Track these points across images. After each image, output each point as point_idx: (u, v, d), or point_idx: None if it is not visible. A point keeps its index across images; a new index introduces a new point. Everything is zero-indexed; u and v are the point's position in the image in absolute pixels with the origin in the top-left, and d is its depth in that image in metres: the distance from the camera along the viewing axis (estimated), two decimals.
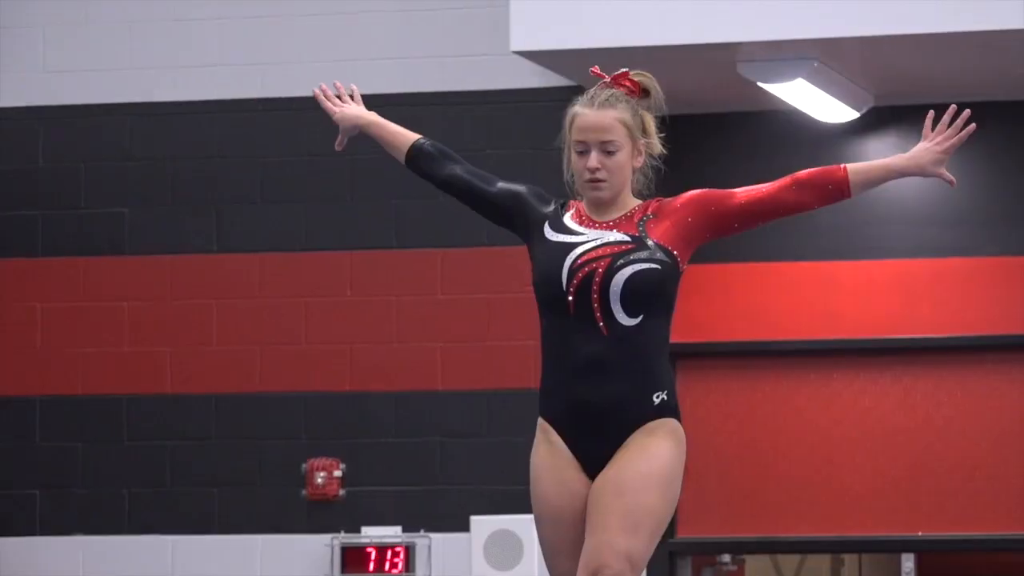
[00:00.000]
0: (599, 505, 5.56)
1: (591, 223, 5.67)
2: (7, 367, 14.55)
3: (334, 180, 14.15)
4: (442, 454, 13.92)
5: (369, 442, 13.89)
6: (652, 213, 5.68)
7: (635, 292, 5.50)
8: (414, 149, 5.95)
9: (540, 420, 5.70)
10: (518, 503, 12.51)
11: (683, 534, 13.75)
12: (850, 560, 18.29)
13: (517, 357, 13.66)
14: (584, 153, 5.63)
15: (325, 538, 13.47)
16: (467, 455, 13.85)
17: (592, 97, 5.70)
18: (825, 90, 12.84)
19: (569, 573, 5.67)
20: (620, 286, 5.49)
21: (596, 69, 5.87)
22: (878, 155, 12.92)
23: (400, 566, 13.38)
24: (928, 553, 15.45)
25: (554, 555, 5.71)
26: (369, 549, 13.50)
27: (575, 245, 5.61)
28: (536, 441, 5.70)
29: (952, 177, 5.74)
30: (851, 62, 12.78)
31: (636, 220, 5.67)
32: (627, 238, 5.59)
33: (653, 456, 5.55)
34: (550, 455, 5.63)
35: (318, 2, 14.44)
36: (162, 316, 14.12)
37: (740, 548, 14.66)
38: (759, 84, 12.56)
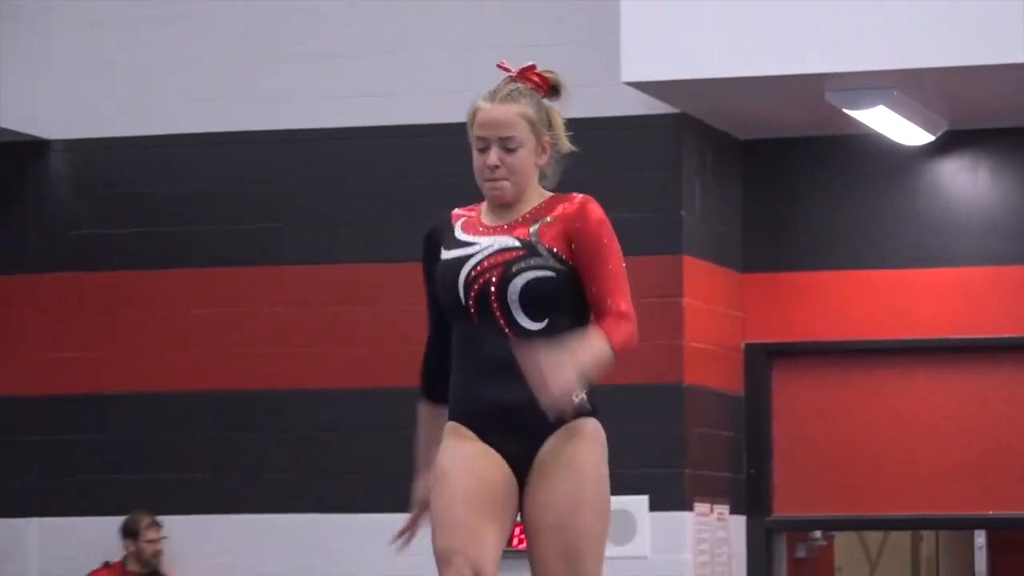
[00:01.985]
0: (541, 546, 5.27)
1: (485, 229, 5.38)
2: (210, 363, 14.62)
3: (466, 199, 14.68)
4: None
5: None
6: (551, 217, 5.34)
7: (534, 299, 5.23)
8: (435, 395, 5.41)
9: (449, 423, 5.38)
10: (628, 486, 12.45)
11: (778, 512, 14.15)
12: (928, 536, 18.60)
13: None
14: (484, 150, 5.36)
15: None
16: None
17: (495, 92, 5.47)
18: (903, 115, 13.07)
19: (484, 551, 5.22)
20: (517, 294, 5.23)
21: (503, 63, 5.60)
22: (951, 175, 14.16)
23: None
24: (998, 530, 15.76)
25: (468, 533, 5.20)
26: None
27: (467, 258, 5.31)
28: (446, 436, 5.35)
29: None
30: (927, 90, 12.85)
31: (531, 223, 5.34)
32: (518, 244, 5.29)
33: (581, 473, 5.26)
34: (463, 443, 5.31)
35: (442, 37, 14.68)
36: (317, 319, 14.33)
37: (830, 525, 15.17)
38: (844, 110, 12.78)
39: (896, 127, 13.37)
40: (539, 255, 5.18)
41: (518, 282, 5.17)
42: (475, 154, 5.33)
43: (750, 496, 14.38)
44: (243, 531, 14.49)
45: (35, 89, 15.45)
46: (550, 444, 5.21)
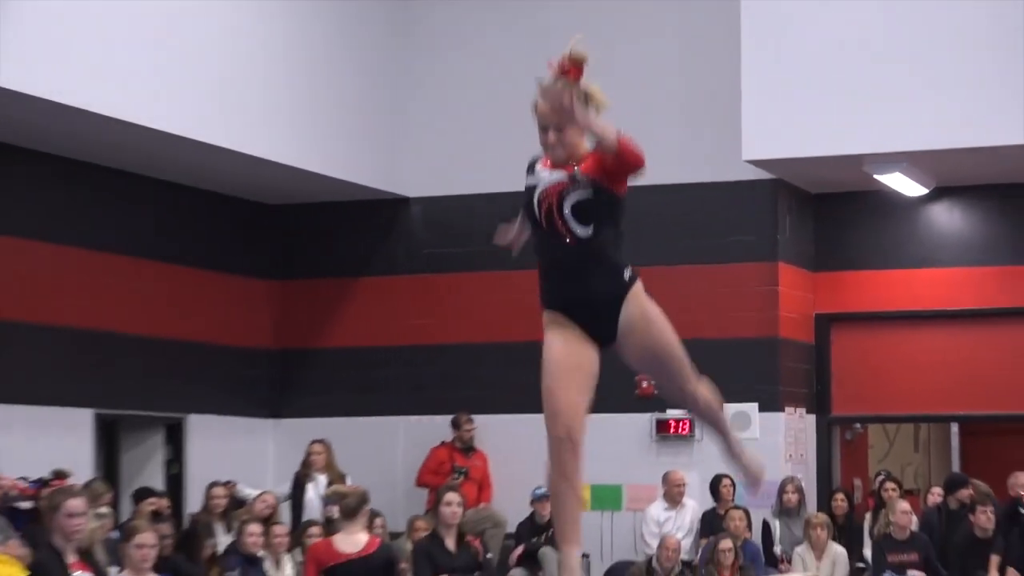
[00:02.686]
0: (663, 363, 5.83)
1: (551, 167, 5.58)
2: None
3: None
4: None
5: None
6: (584, 158, 5.61)
7: (581, 212, 5.46)
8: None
9: (546, 312, 5.65)
10: (745, 397, 14.87)
11: (835, 412, 16.12)
12: (924, 427, 19.64)
13: None
14: (544, 129, 5.56)
15: (647, 416, 15.46)
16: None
17: (543, 88, 5.56)
18: (910, 178, 14.83)
19: (576, 401, 5.63)
20: (569, 210, 5.47)
21: (551, 61, 5.58)
22: (937, 213, 15.65)
23: (686, 429, 15.28)
24: (965, 423, 17.61)
25: (569, 391, 5.55)
26: (671, 421, 15.41)
27: (536, 186, 5.58)
28: (547, 325, 5.64)
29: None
30: (923, 164, 14.45)
31: (575, 164, 5.57)
32: (565, 177, 5.52)
33: (658, 319, 5.71)
34: (562, 330, 5.61)
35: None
36: None
37: (865, 420, 17.14)
38: (874, 175, 14.62)
39: (905, 185, 15.05)
40: (579, 183, 5.52)
41: (568, 203, 5.53)
42: (539, 132, 5.62)
43: (818, 403, 16.03)
44: None
45: (398, 154, 15.85)
46: (627, 312, 5.64)
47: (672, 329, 5.80)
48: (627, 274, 5.63)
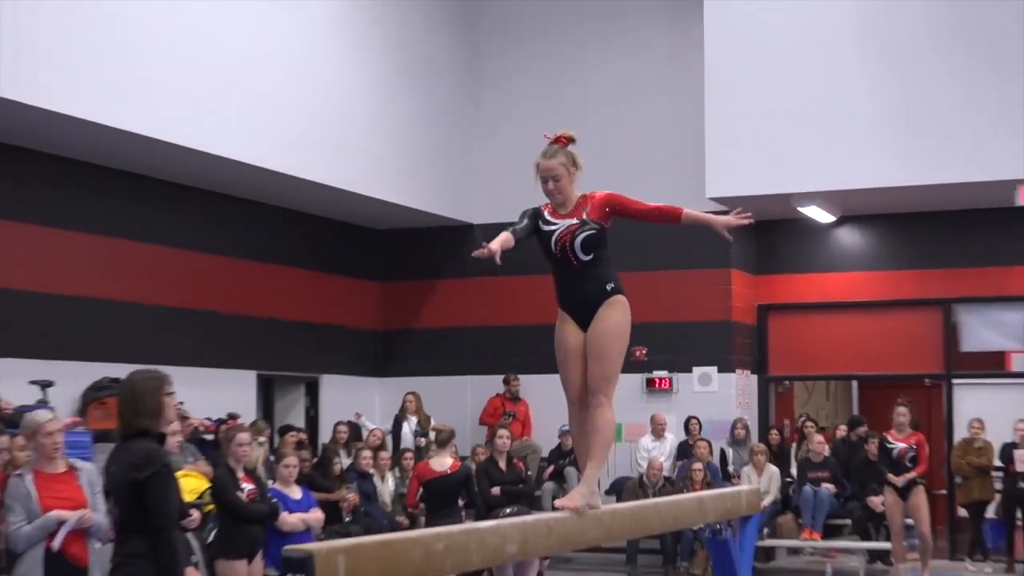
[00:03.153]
0: (589, 356, 5.29)
1: (558, 216, 5.38)
2: None
3: None
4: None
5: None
6: (588, 204, 5.38)
7: (587, 244, 5.29)
8: (513, 236, 5.33)
9: (560, 310, 5.40)
10: (708, 362, 14.94)
11: (771, 373, 15.80)
12: (832, 383, 18.71)
13: None
14: (545, 181, 5.36)
15: (640, 375, 15.13)
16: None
17: (544, 152, 5.36)
18: (822, 208, 14.73)
19: (573, 378, 5.34)
20: (579, 243, 5.28)
21: (545, 134, 5.46)
22: (842, 234, 15.24)
23: (667, 385, 15.20)
24: (863, 380, 17.12)
25: (565, 368, 5.33)
26: (656, 379, 15.26)
27: (555, 230, 5.33)
28: (560, 319, 5.37)
29: (728, 237, 5.78)
30: (832, 200, 14.43)
31: (580, 210, 5.35)
32: (577, 222, 5.32)
33: (608, 322, 5.28)
34: (566, 324, 5.35)
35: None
36: None
37: (791, 378, 16.52)
38: (798, 208, 14.46)
39: (818, 215, 14.99)
40: (587, 224, 5.32)
41: (578, 238, 5.31)
42: (541, 183, 5.40)
43: (759, 367, 15.82)
44: None
45: (465, 190, 15.56)
46: (599, 311, 5.32)
47: (619, 345, 5.31)
48: (610, 287, 5.35)
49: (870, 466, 13.29)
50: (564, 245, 5.36)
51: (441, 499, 10.60)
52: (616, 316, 5.32)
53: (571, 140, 5.42)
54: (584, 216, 5.37)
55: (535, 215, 5.44)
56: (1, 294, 11.13)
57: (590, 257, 5.34)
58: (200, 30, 11.57)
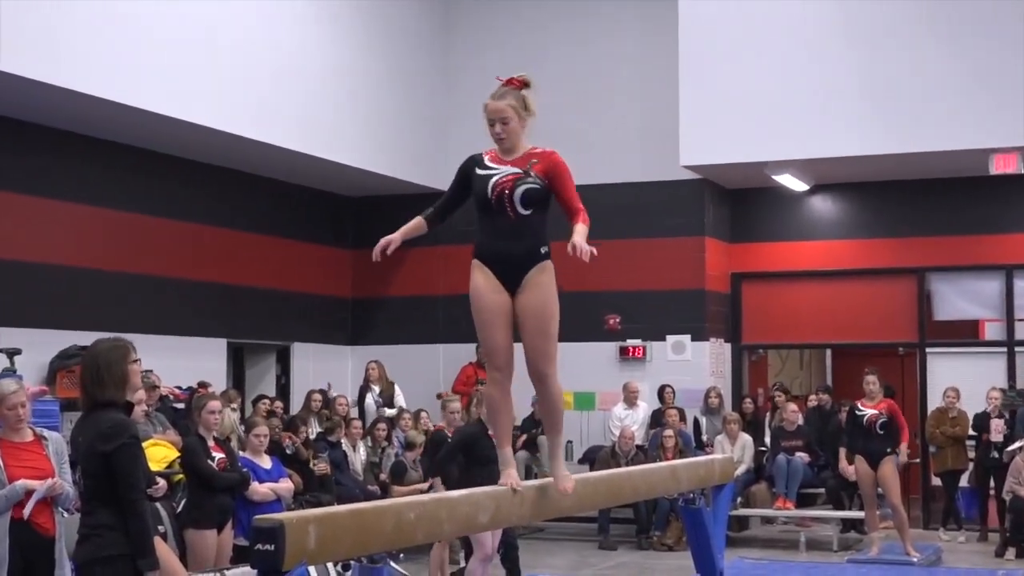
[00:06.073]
0: (526, 327, 5.10)
1: (501, 161, 5.17)
2: None
3: None
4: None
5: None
6: (536, 159, 5.16)
7: (528, 197, 5.05)
8: (427, 221, 5.31)
9: (475, 260, 5.14)
10: (682, 331, 15.00)
11: (744, 341, 15.89)
12: (807, 351, 18.72)
13: None
14: (492, 124, 5.16)
15: (613, 344, 15.29)
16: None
17: (494, 93, 5.20)
18: (796, 178, 14.82)
19: (502, 343, 5.13)
20: (520, 194, 5.05)
21: (499, 77, 5.27)
22: (816, 202, 15.26)
23: (640, 354, 15.21)
24: (836, 348, 17.28)
25: (493, 332, 5.10)
26: (629, 348, 15.30)
27: (494, 175, 5.11)
28: (477, 271, 5.12)
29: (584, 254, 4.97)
30: (805, 168, 14.44)
31: (527, 161, 5.13)
32: (520, 171, 5.10)
33: (544, 287, 5.08)
34: (487, 280, 5.10)
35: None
36: None
37: (766, 347, 16.66)
38: (772, 176, 14.47)
39: (792, 183, 15.04)
40: (531, 177, 5.09)
41: (520, 189, 5.06)
42: (488, 126, 5.19)
43: (732, 335, 15.89)
44: None
45: (439, 157, 15.10)
46: (531, 274, 5.10)
47: (555, 315, 5.10)
48: (544, 250, 5.10)
49: (840, 434, 13.35)
50: (503, 192, 5.11)
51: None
52: (552, 288, 5.12)
53: (525, 84, 5.21)
54: (529, 168, 5.14)
55: (469, 165, 5.22)
56: None
57: (529, 212, 5.10)
58: None
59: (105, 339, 5.37)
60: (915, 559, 11.91)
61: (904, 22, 13.41)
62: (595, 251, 4.89)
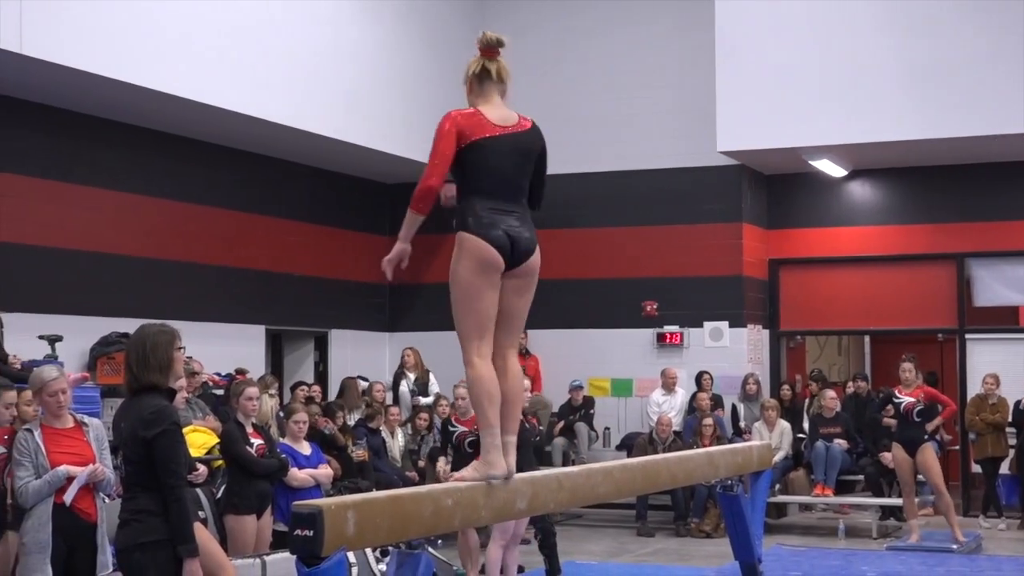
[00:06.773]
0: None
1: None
2: None
3: None
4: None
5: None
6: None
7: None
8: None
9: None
10: (720, 317, 15.25)
11: (783, 328, 15.78)
12: (845, 338, 18.68)
13: None
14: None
15: (651, 331, 15.25)
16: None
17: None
18: (835, 163, 14.74)
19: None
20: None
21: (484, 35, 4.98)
22: (854, 187, 15.06)
23: (678, 340, 15.15)
24: (875, 336, 17.29)
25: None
26: (667, 334, 15.20)
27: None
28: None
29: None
30: (843, 153, 14.26)
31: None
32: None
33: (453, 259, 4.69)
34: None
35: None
36: None
37: (803, 333, 16.53)
38: (810, 161, 14.49)
39: (831, 168, 14.96)
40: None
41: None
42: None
43: (771, 321, 15.76)
44: None
45: None
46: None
47: (455, 297, 4.79)
48: (455, 223, 4.89)
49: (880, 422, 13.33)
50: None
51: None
52: (455, 256, 4.84)
53: (494, 49, 5.11)
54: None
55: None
56: (10, 248, 11.14)
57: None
58: None
59: (153, 324, 5.38)
60: (958, 546, 11.84)
61: (945, 5, 13.33)
62: (390, 273, 4.79)
